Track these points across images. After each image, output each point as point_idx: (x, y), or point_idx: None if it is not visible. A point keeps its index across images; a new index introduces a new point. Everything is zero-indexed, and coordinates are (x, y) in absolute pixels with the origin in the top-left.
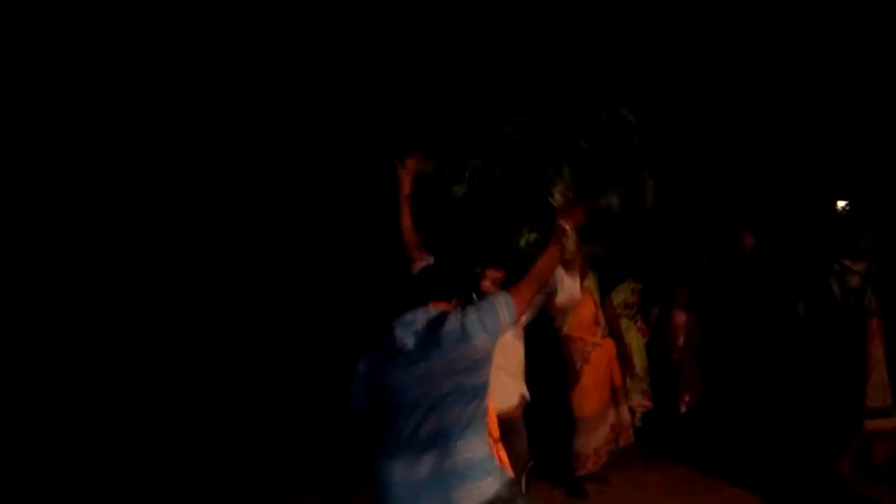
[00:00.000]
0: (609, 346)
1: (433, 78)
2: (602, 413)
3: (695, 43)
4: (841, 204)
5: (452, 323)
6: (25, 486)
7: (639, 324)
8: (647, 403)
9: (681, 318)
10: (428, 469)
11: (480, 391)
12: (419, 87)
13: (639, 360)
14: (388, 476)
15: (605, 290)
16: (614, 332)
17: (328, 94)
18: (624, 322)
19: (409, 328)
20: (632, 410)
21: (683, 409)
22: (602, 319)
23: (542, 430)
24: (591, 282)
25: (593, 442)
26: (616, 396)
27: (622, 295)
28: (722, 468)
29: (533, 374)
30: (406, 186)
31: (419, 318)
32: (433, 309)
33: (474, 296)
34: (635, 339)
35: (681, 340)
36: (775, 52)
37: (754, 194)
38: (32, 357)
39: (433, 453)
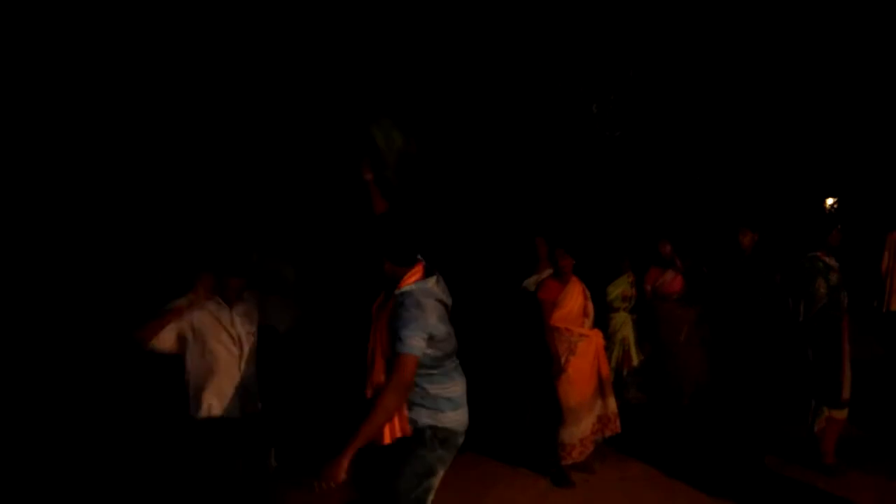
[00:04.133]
0: (596, 336)
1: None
2: (588, 403)
3: (691, 51)
4: (829, 201)
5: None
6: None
7: (635, 317)
8: (642, 396)
9: (668, 309)
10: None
11: None
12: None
13: (635, 354)
14: (457, 393)
15: (602, 283)
16: None
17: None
18: (622, 315)
19: (439, 286)
20: (628, 402)
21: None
22: (591, 310)
23: (528, 420)
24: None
25: (579, 432)
26: (603, 387)
27: (620, 288)
28: (706, 460)
29: (520, 364)
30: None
31: (440, 278)
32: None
33: None
34: (632, 334)
35: (663, 332)
36: (770, 59)
37: (750, 192)
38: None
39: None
